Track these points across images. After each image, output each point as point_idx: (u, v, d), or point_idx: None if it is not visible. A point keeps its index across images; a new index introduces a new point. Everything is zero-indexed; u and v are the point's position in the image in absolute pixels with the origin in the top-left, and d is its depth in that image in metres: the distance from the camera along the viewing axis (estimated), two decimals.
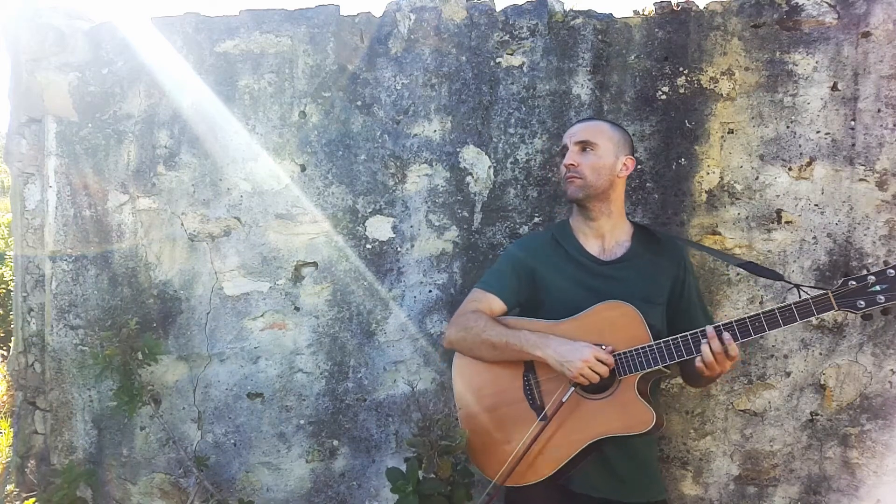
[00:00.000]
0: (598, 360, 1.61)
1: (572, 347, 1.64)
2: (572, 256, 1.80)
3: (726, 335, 1.57)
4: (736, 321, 1.57)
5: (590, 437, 1.67)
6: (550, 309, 1.78)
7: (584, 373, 1.61)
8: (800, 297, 1.55)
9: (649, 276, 1.77)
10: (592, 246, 1.81)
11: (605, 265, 1.78)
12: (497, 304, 1.82)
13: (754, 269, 1.77)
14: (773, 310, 1.54)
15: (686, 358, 1.61)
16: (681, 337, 1.61)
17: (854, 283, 1.50)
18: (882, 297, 1.47)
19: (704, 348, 1.57)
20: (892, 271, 1.47)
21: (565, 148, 1.82)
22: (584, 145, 1.77)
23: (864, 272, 1.50)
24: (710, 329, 1.58)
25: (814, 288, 1.59)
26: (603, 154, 1.76)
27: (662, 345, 1.62)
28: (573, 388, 1.66)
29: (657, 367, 1.63)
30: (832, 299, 1.51)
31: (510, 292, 1.83)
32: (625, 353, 1.65)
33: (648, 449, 1.80)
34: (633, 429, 1.63)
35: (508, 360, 1.76)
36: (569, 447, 1.68)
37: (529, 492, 1.74)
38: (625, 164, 1.79)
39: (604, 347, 1.64)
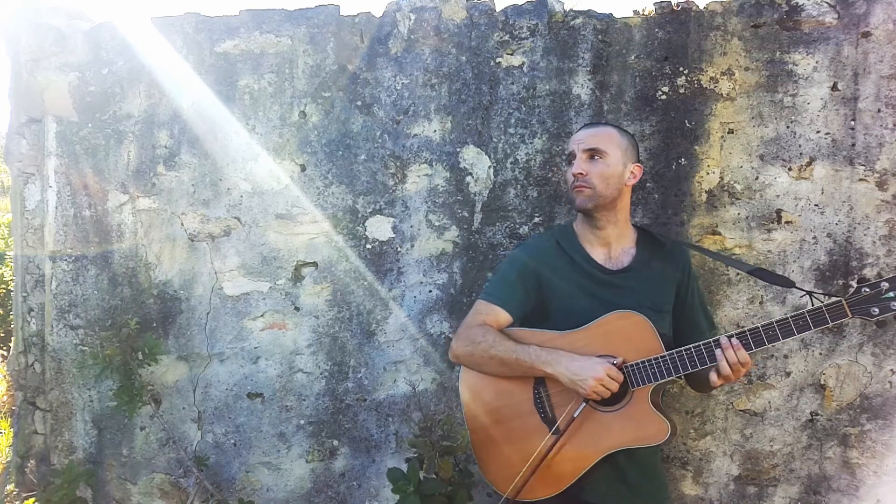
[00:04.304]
0: (610, 377, 1.59)
1: (583, 364, 1.61)
2: (578, 265, 1.76)
3: (735, 341, 1.56)
4: (749, 330, 1.56)
5: (604, 450, 1.64)
6: (557, 319, 1.74)
7: (597, 390, 1.58)
8: (812, 304, 1.53)
9: (656, 284, 1.75)
10: (598, 254, 1.78)
11: (612, 274, 1.75)
12: (504, 317, 1.77)
13: (764, 275, 1.74)
14: (787, 318, 1.53)
15: (700, 368, 1.59)
16: (694, 347, 1.59)
17: (867, 290, 1.49)
18: None
19: (722, 361, 1.56)
20: None
21: (572, 155, 1.76)
22: (593, 153, 1.72)
23: (877, 278, 1.50)
24: (724, 339, 1.57)
25: (826, 295, 1.58)
26: (612, 162, 1.71)
27: (676, 355, 1.59)
28: (585, 403, 1.63)
29: (671, 378, 1.60)
30: (846, 307, 1.49)
31: (516, 304, 1.78)
32: (638, 363, 1.62)
33: (654, 454, 1.79)
34: (649, 440, 1.61)
35: (518, 376, 1.72)
36: (582, 461, 1.66)
37: None
38: (632, 173, 1.75)
39: (614, 362, 1.61)
